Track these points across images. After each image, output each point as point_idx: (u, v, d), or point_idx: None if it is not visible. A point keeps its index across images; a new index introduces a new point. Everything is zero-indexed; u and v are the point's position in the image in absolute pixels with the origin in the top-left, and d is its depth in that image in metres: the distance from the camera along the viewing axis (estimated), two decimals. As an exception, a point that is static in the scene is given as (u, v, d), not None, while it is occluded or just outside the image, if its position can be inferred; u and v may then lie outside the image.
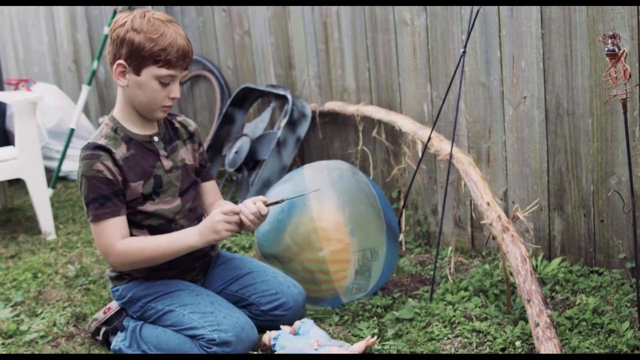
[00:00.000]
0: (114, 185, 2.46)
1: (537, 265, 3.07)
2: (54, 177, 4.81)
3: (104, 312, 2.70)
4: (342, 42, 3.77)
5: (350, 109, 3.72)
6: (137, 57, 2.41)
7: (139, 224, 2.54)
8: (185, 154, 2.65)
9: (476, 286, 2.95)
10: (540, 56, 2.96)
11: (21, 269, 3.51)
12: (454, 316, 2.73)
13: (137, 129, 2.55)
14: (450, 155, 2.97)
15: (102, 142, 2.48)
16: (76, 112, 4.79)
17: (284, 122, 3.89)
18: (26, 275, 3.43)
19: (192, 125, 2.72)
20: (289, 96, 3.93)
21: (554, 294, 2.86)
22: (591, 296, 2.76)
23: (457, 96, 2.96)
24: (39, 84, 5.46)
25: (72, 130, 4.77)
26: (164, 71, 2.43)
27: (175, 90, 2.48)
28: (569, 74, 2.89)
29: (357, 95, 3.77)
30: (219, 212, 2.44)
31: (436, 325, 2.69)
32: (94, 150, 2.46)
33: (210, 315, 2.48)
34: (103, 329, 2.71)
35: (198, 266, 2.69)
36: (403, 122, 3.40)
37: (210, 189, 2.76)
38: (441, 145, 3.09)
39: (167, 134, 2.63)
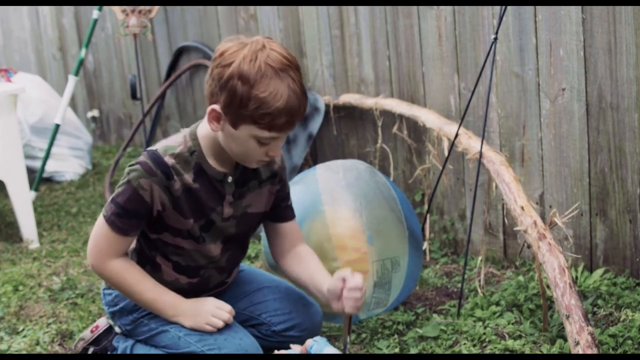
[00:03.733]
0: (143, 208, 2.38)
1: (577, 277, 3.08)
2: (37, 179, 4.84)
3: (92, 331, 2.66)
4: (359, 27, 3.79)
5: (368, 102, 3.74)
6: (236, 112, 2.26)
7: (167, 257, 2.49)
8: (254, 199, 2.52)
9: (509, 300, 2.96)
10: (581, 43, 2.97)
11: (0, 281, 3.54)
12: (484, 334, 2.75)
13: (216, 164, 2.42)
14: (480, 154, 2.98)
15: (169, 161, 2.37)
16: (62, 105, 4.83)
17: (293, 117, 3.90)
18: (6, 288, 3.44)
19: (278, 163, 2.55)
20: (300, 88, 3.94)
21: (596, 309, 2.87)
22: (637, 312, 2.77)
23: (488, 88, 2.98)
24: (21, 74, 5.47)
25: (58, 126, 4.80)
26: (265, 133, 2.27)
27: (275, 149, 2.34)
28: (613, 63, 2.90)
29: (376, 86, 3.79)
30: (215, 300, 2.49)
31: (464, 344, 2.71)
32: (156, 165, 2.36)
33: (209, 338, 2.44)
34: (91, 349, 2.69)
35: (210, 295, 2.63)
36: (427, 116, 3.41)
37: (288, 231, 2.62)
38: (470, 142, 3.10)
39: (243, 174, 2.48)
